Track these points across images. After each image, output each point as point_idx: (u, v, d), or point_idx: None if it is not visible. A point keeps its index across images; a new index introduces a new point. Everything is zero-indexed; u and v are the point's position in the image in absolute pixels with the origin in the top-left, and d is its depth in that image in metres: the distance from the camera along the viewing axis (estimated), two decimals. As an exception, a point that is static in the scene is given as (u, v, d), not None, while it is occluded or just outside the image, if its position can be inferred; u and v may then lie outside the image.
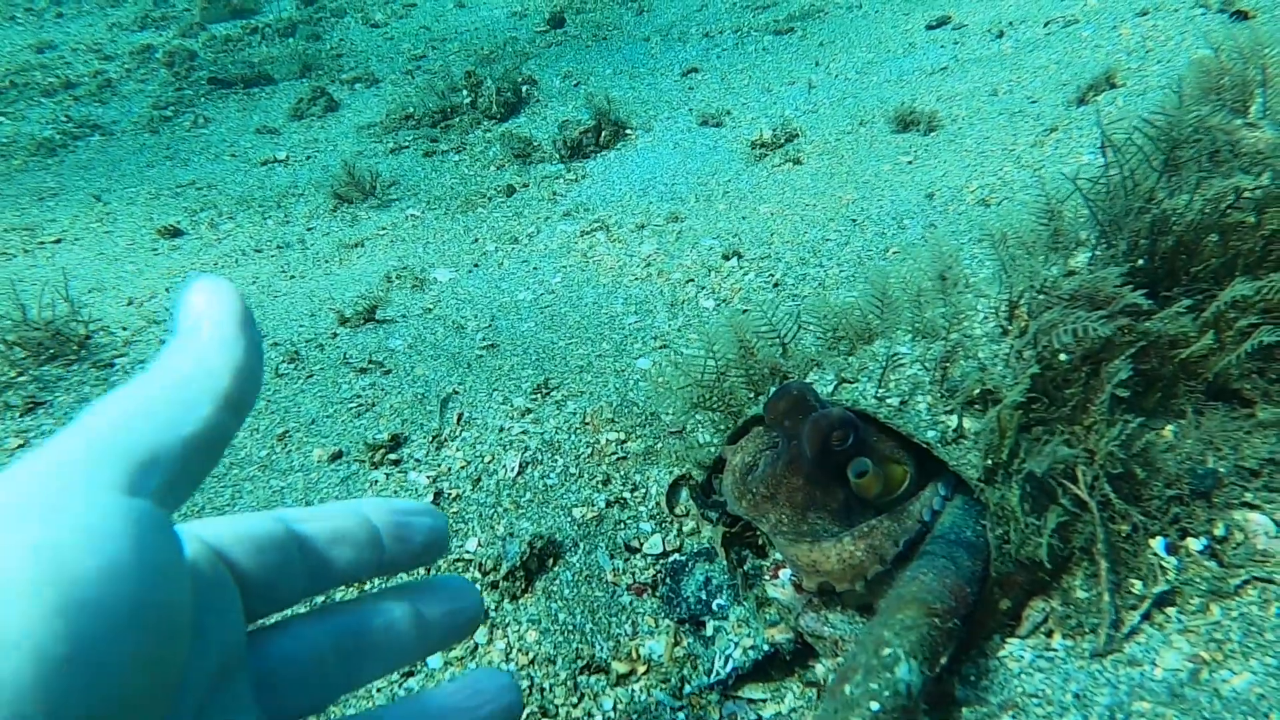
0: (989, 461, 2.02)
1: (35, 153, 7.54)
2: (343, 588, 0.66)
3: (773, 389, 2.30)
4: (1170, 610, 1.99)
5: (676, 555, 2.59)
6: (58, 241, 5.74)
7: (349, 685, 0.59)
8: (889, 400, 2.15)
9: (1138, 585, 2.03)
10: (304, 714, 0.57)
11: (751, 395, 2.39)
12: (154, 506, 0.42)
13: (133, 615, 0.38)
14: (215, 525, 0.53)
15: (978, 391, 2.09)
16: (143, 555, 0.39)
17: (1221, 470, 2.17)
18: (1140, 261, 2.44)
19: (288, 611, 0.58)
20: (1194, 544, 2.08)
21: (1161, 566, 2.04)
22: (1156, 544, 2.06)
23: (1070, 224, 2.62)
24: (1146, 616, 1.99)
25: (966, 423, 2.09)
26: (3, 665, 0.35)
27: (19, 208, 6.37)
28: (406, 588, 0.62)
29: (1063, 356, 2.19)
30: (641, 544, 2.63)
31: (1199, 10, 5.03)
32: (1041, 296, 2.23)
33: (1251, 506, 2.14)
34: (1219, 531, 2.09)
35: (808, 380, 2.32)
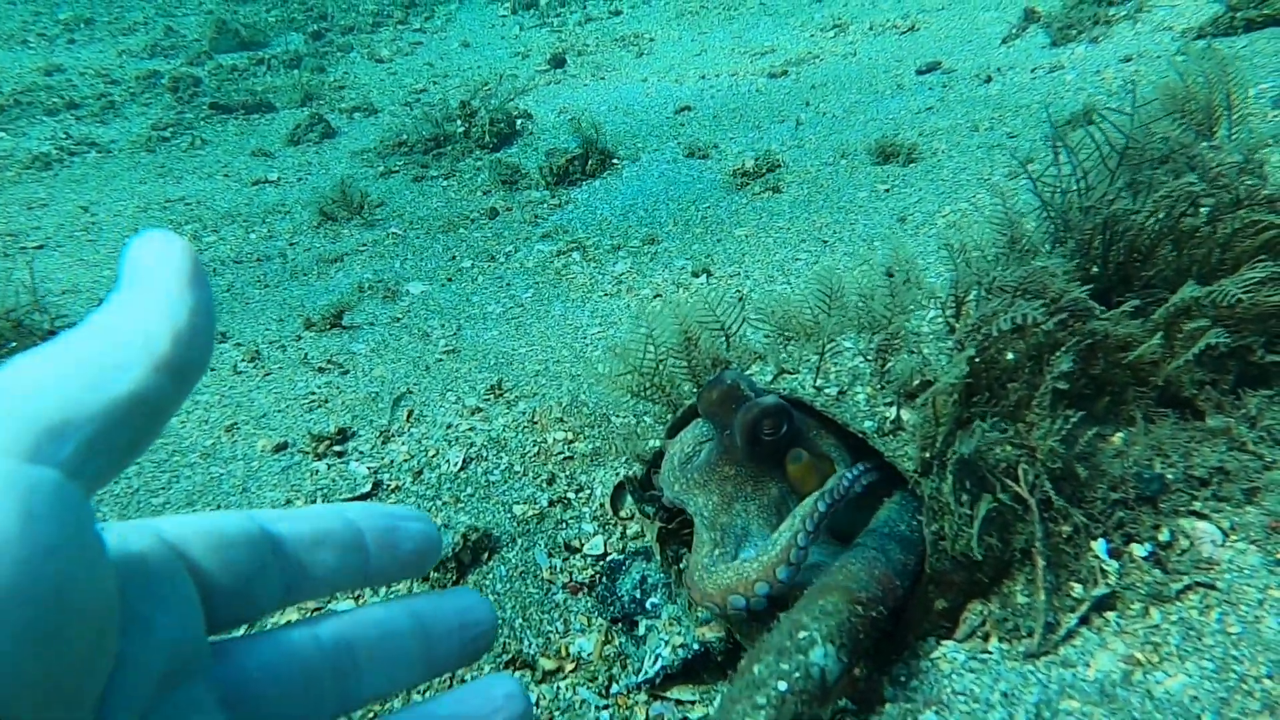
0: (925, 454, 1.96)
1: (30, 166, 7.58)
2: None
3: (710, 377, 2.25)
4: (1109, 614, 1.91)
5: (615, 555, 2.51)
6: (40, 247, 5.74)
7: (344, 705, 0.53)
8: (827, 390, 2.10)
9: (1077, 588, 1.96)
10: None
11: (693, 386, 2.34)
12: (62, 477, 0.37)
13: (11, 598, 0.34)
14: (176, 520, 0.48)
15: (917, 382, 2.04)
16: (33, 529, 0.35)
17: (1169, 476, 2.11)
18: (1094, 269, 2.40)
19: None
20: (1138, 549, 2.01)
21: (1102, 569, 1.97)
22: (1098, 546, 1.99)
23: (1029, 234, 2.59)
24: (1084, 619, 1.91)
25: (905, 415, 2.04)
26: None
27: (6, 216, 6.39)
28: (411, 600, 0.56)
29: (1009, 355, 2.15)
30: (582, 544, 2.55)
31: (1181, 57, 5.06)
32: (988, 294, 2.19)
33: (1199, 515, 2.08)
34: (1164, 537, 2.03)
35: (749, 372, 2.27)
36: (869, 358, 2.13)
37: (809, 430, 2.08)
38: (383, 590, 2.27)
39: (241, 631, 0.51)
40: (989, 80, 6.02)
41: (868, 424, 2.01)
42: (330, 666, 0.52)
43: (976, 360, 2.02)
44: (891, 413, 2.03)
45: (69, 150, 8.06)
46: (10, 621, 0.34)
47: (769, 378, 2.18)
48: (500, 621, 2.33)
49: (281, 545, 0.51)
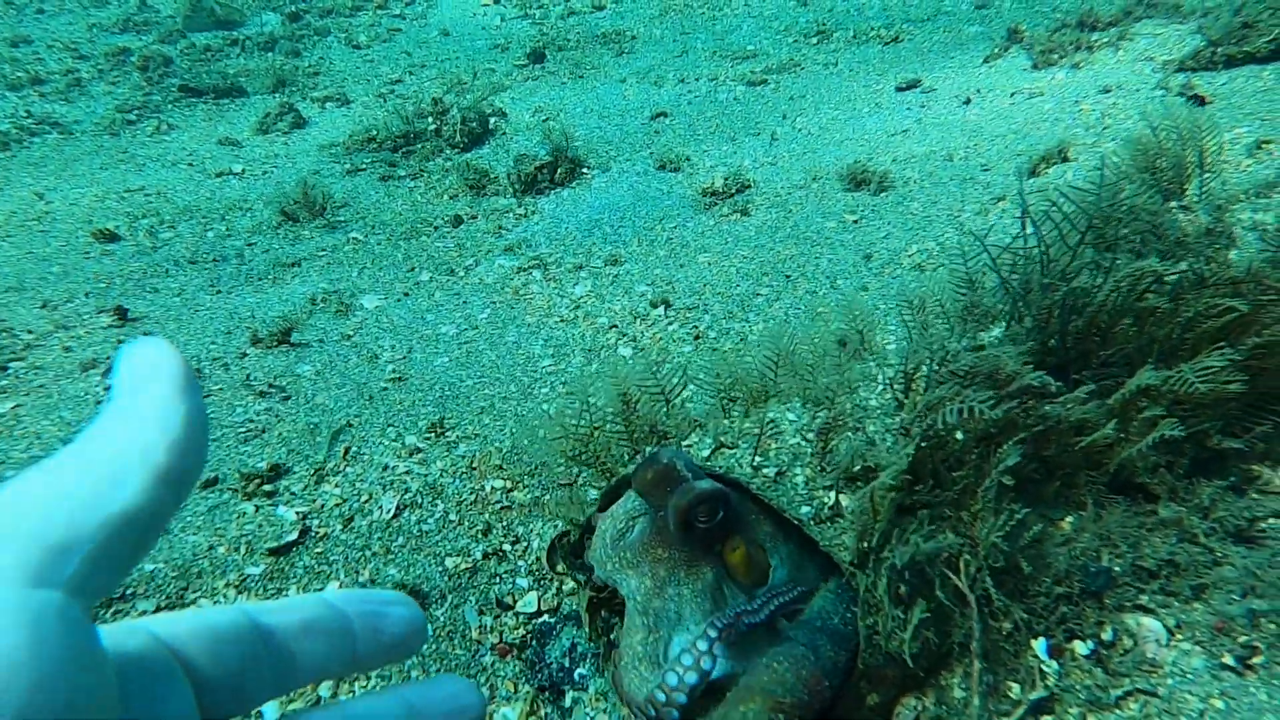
0: (863, 544, 1.87)
1: (-13, 146, 7.37)
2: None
3: (648, 449, 2.16)
4: (1046, 719, 1.84)
5: (547, 617, 2.42)
6: (-11, 237, 5.57)
7: None
8: (765, 470, 2.01)
9: (1015, 688, 1.89)
10: None
11: (630, 453, 2.25)
12: (64, 598, 0.38)
13: None
14: (167, 618, 0.49)
15: (858, 467, 1.95)
16: (41, 655, 0.36)
17: (1116, 569, 2.04)
18: (1052, 342, 2.32)
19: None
20: (1080, 647, 1.94)
21: (1041, 670, 1.90)
22: (1038, 646, 1.92)
23: (988, 296, 2.51)
24: (1020, 724, 1.84)
25: (845, 500, 1.96)
26: None
27: (-42, 200, 6.20)
28: (401, 688, 0.56)
29: (959, 435, 2.07)
30: (515, 601, 2.46)
31: (1159, 92, 4.99)
32: (940, 369, 2.10)
33: (1145, 610, 2.01)
34: (1107, 635, 1.96)
35: (687, 443, 2.18)
36: (809, 438, 2.04)
37: (748, 513, 1.99)
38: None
39: None
40: (968, 102, 5.93)
41: (805, 510, 1.93)
42: None
43: (922, 445, 1.95)
44: (830, 498, 1.95)
45: (29, 130, 7.85)
46: None
47: (706, 452, 2.09)
48: (423, 687, 2.24)
49: (271, 636, 0.51)
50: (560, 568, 2.51)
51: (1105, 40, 6.05)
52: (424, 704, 0.55)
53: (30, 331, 4.15)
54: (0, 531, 0.37)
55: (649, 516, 1.98)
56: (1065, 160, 4.37)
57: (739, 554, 1.92)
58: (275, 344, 3.88)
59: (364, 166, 6.66)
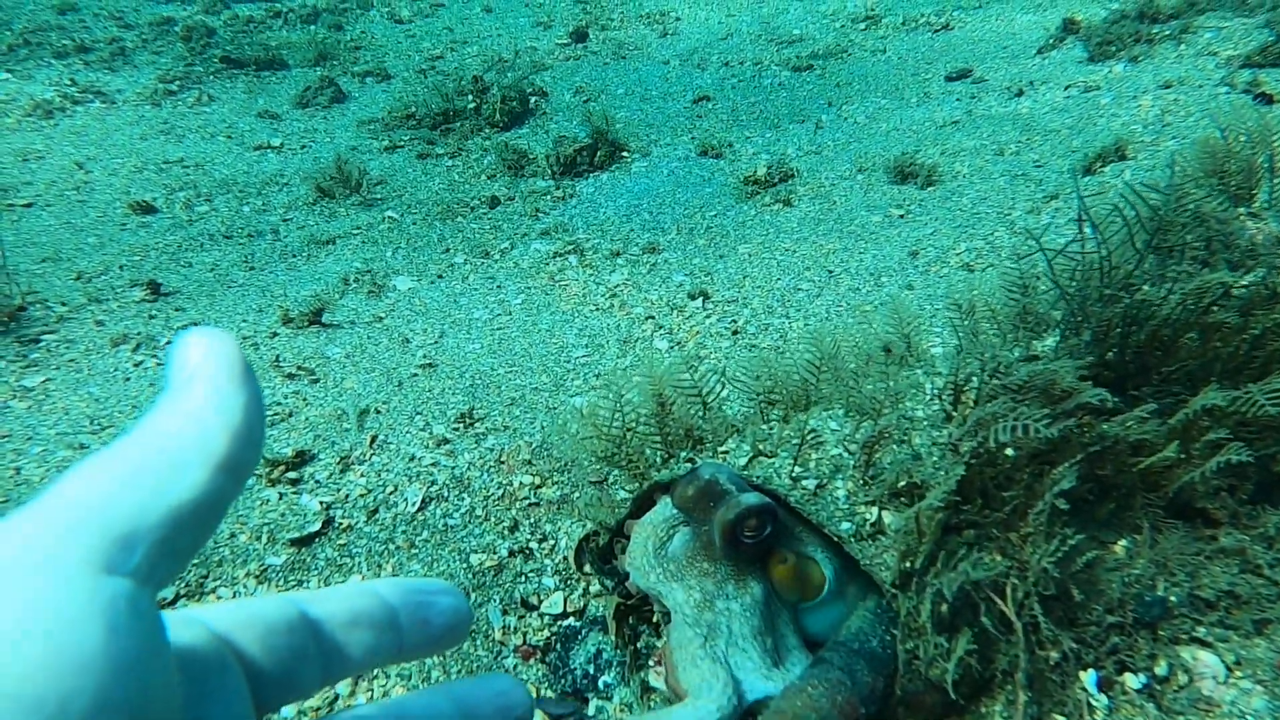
0: (906, 565, 1.78)
1: (31, 113, 7.39)
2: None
3: (683, 454, 2.07)
4: (1094, 757, 1.74)
5: (573, 620, 2.35)
6: (28, 205, 5.57)
7: None
8: (805, 481, 1.92)
9: (1061, 722, 1.79)
10: None
11: (664, 456, 2.17)
12: (135, 586, 0.37)
13: (99, 713, 0.34)
14: (220, 609, 0.49)
15: (903, 484, 1.86)
16: (115, 643, 0.35)
17: (1173, 599, 1.93)
18: (1110, 354, 2.21)
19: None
20: (1132, 680, 1.84)
21: (1090, 703, 1.80)
22: (1087, 678, 1.82)
23: (1042, 302, 2.39)
24: (1065, 761, 1.74)
25: (888, 517, 1.86)
26: None
27: (0, 168, 6.21)
28: (450, 685, 0.57)
29: (1009, 452, 1.96)
30: (541, 601, 2.40)
31: (1223, 89, 4.80)
32: (993, 381, 2.00)
33: (1202, 643, 1.90)
34: (1161, 670, 1.85)
35: (723, 449, 2.09)
36: (851, 449, 1.95)
37: (793, 525, 1.91)
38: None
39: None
40: (1020, 94, 5.76)
41: (845, 525, 1.84)
42: None
43: (971, 463, 1.84)
44: (872, 514, 1.86)
45: (73, 99, 7.86)
46: None
47: (744, 460, 2.00)
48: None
49: (320, 627, 0.51)
50: (587, 569, 2.44)
51: (1166, 33, 5.84)
52: (474, 701, 0.55)
53: (64, 304, 4.13)
54: (67, 519, 0.37)
55: (691, 527, 1.90)
56: (1122, 158, 4.21)
57: (786, 568, 1.85)
58: (306, 324, 3.83)
59: (402, 144, 6.60)
